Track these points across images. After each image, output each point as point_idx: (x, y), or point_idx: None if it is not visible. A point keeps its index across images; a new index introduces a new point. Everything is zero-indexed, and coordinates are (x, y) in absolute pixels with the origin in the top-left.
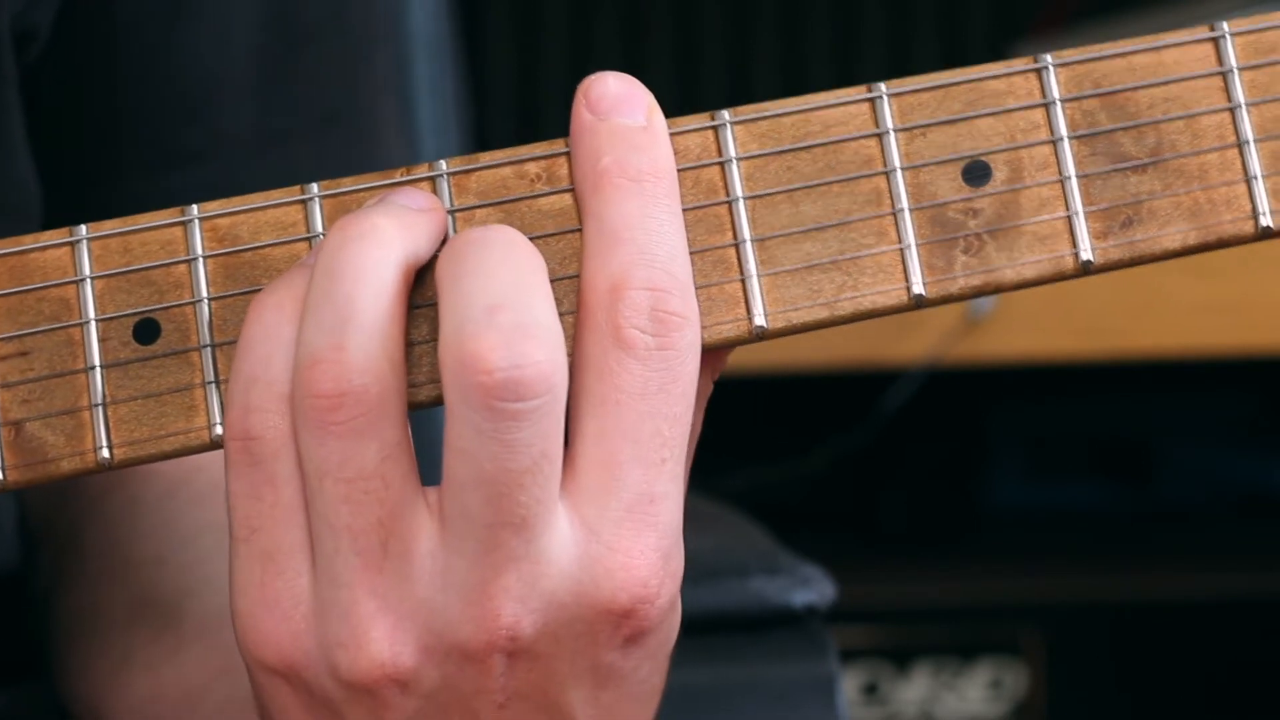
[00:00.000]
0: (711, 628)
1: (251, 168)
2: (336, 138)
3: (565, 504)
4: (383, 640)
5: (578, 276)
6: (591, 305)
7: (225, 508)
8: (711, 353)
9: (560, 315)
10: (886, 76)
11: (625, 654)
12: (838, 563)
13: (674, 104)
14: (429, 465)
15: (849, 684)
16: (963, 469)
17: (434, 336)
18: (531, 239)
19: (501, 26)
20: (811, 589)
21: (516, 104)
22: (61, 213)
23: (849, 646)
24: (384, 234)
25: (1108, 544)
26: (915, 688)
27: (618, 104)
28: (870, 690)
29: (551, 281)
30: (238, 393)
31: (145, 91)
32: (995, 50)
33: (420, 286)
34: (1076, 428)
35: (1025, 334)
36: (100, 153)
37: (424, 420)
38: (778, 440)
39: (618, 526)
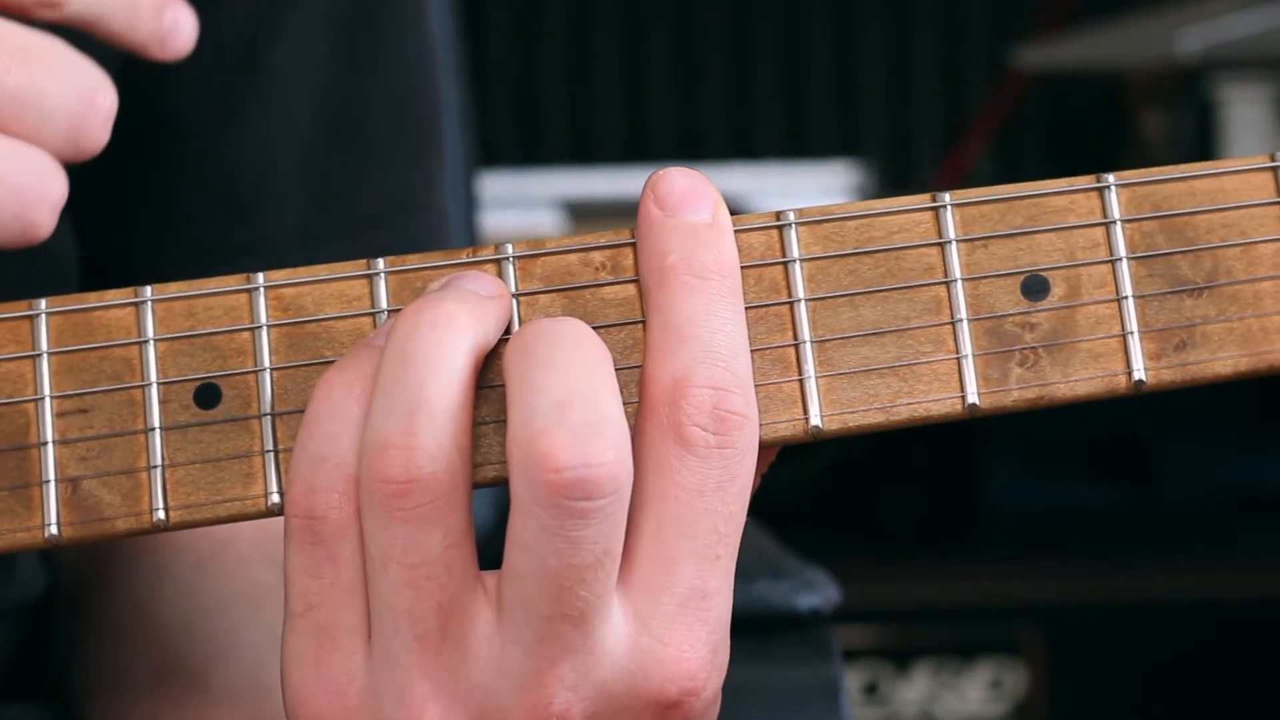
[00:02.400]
0: None
1: (301, 262)
2: (390, 236)
3: (619, 595)
4: None
5: (639, 367)
6: (654, 401)
7: (252, 581)
8: (763, 450)
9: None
10: (885, 74)
11: None
12: (838, 563)
13: (673, 97)
14: None
15: (849, 684)
16: (963, 469)
17: (496, 417)
18: (594, 328)
19: (501, 27)
20: (816, 593)
21: (517, 105)
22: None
23: (850, 646)
24: (457, 321)
25: (1107, 544)
26: (915, 688)
27: (684, 200)
28: (870, 690)
29: None
30: (302, 468)
31: (197, 191)
32: (995, 51)
33: (484, 368)
34: (1076, 428)
35: None
36: (147, 245)
37: None
38: None
39: (670, 620)
